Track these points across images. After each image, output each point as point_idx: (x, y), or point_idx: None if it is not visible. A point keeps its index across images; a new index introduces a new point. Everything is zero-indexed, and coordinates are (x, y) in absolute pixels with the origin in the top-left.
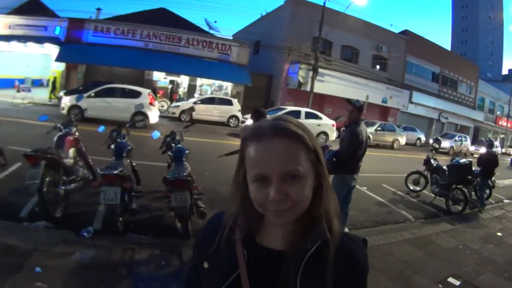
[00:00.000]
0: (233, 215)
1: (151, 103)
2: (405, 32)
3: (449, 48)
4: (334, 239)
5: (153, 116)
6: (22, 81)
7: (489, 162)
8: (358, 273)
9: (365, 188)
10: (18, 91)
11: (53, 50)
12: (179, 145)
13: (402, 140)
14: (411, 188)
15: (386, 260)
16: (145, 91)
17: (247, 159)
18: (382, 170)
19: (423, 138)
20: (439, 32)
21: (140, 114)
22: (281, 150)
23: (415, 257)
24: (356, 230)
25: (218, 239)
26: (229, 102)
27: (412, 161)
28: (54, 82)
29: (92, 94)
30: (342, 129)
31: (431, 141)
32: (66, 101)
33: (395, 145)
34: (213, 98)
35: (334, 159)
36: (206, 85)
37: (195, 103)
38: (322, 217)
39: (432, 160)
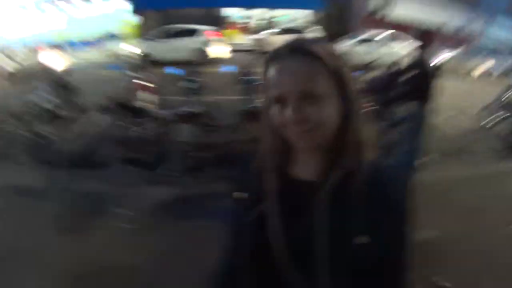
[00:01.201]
0: (265, 149)
1: (210, 39)
2: None
3: None
4: (363, 170)
5: (215, 51)
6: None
7: None
8: (391, 209)
9: None
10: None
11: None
12: None
13: None
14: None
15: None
16: (201, 28)
17: (267, 82)
18: None
19: None
20: None
21: (201, 52)
22: (296, 69)
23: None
24: None
25: (251, 170)
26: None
27: None
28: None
29: (152, 38)
30: None
31: None
32: (129, 48)
33: None
34: (289, 29)
35: None
36: (280, 16)
37: (269, 35)
38: (354, 146)
39: None
